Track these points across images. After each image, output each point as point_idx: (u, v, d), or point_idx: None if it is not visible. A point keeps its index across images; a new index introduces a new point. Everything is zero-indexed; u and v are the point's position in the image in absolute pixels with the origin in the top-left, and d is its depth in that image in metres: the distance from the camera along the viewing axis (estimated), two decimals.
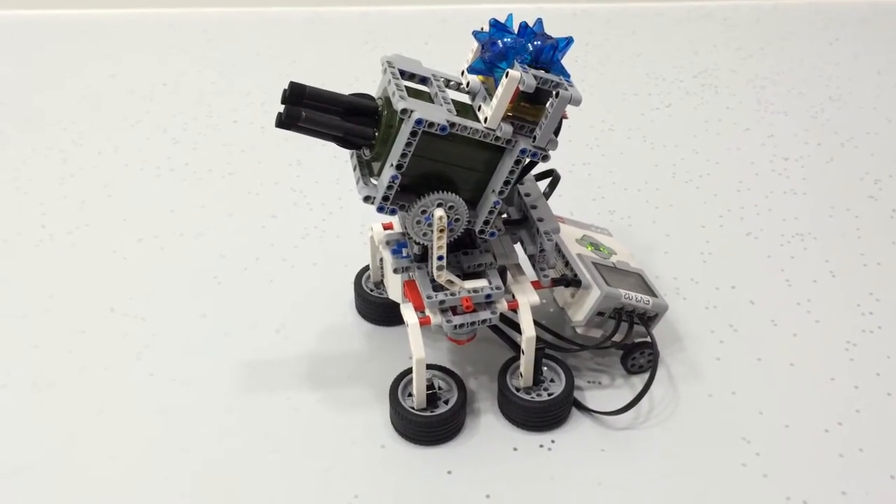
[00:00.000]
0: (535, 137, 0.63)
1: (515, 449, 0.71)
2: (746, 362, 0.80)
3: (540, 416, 0.72)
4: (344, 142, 0.63)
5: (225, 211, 0.97)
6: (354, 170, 0.66)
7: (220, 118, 1.13)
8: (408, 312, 0.69)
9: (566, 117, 0.69)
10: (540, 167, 0.77)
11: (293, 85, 0.61)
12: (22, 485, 0.68)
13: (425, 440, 0.71)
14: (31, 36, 1.33)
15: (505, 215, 0.74)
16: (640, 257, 0.90)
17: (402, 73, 0.65)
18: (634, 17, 1.39)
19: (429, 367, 0.73)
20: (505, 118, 0.63)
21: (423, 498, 0.67)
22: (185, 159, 1.05)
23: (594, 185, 1.02)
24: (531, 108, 0.64)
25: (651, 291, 0.78)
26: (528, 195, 0.74)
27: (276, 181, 1.02)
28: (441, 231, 0.65)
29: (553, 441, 0.72)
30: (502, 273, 0.72)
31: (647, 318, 0.76)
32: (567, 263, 0.76)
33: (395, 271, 0.70)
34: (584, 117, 1.13)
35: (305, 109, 0.61)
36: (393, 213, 0.64)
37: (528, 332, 0.70)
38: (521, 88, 0.61)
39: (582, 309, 0.74)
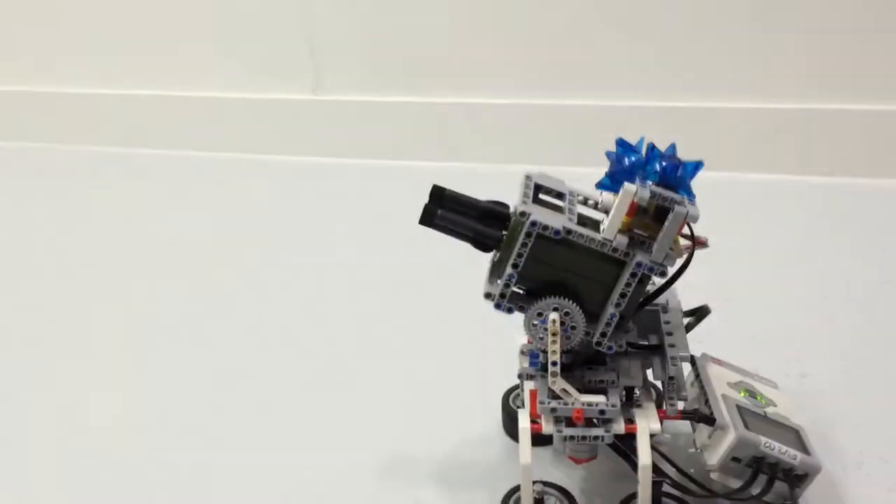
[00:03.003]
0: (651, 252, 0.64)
1: None
2: None
3: None
4: (475, 242, 0.69)
5: (392, 312, 1.05)
6: (488, 270, 0.71)
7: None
8: (523, 417, 0.70)
9: (703, 243, 0.69)
10: (692, 303, 0.76)
11: (435, 187, 0.69)
12: None
13: None
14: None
15: (646, 342, 0.73)
16: (824, 425, 0.81)
17: (540, 188, 0.70)
18: None
19: (545, 483, 0.72)
20: (624, 231, 0.65)
21: None
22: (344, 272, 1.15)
23: (793, 345, 0.95)
24: (655, 226, 0.65)
25: (804, 449, 0.70)
26: (668, 322, 0.72)
27: (443, 295, 1.08)
28: (554, 335, 0.66)
29: None
30: (630, 396, 0.71)
31: (795, 477, 0.69)
32: (707, 401, 0.72)
33: (519, 376, 0.72)
34: (804, 278, 1.07)
35: (442, 209, 0.68)
36: (510, 311, 0.67)
37: (644, 459, 0.67)
38: (636, 201, 0.63)
39: (716, 452, 0.69)
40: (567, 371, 0.69)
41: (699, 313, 0.75)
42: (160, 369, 0.99)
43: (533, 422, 0.69)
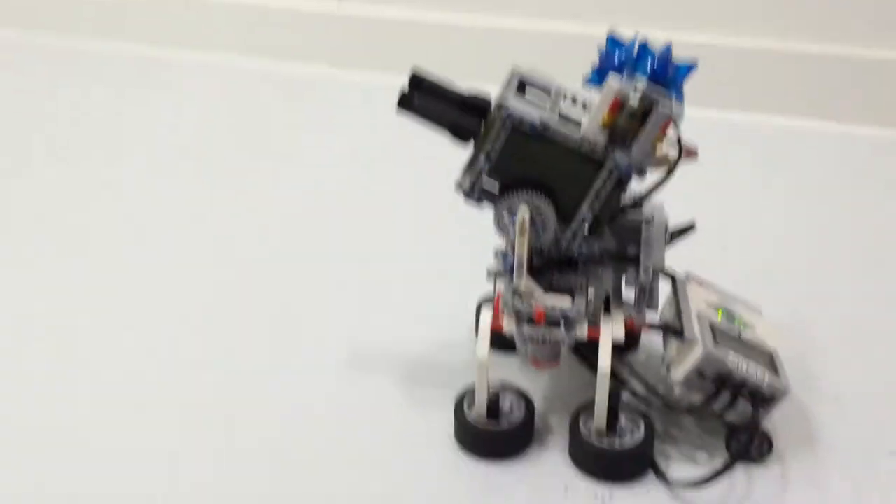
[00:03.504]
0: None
1: (566, 488, 0.66)
2: (890, 492, 0.66)
3: (599, 461, 0.66)
4: (452, 131, 0.67)
5: (374, 217, 1.05)
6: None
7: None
8: (485, 313, 0.69)
9: (694, 155, 0.66)
10: (680, 220, 0.74)
11: (414, 72, 0.67)
12: None
13: (476, 451, 0.69)
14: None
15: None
16: (810, 359, 0.79)
17: (525, 83, 0.67)
18: None
19: (504, 384, 0.72)
20: (605, 129, 0.62)
21: None
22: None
23: (790, 287, 0.92)
24: (640, 127, 0.62)
25: (775, 371, 0.68)
26: (649, 235, 0.70)
27: (429, 203, 1.06)
28: (523, 232, 0.65)
29: (611, 495, 0.66)
30: (606, 304, 0.69)
31: (761, 399, 0.67)
32: (679, 316, 0.70)
33: (488, 274, 0.71)
34: (813, 226, 1.04)
35: (420, 96, 0.66)
36: (479, 201, 0.66)
37: (604, 365, 0.65)
38: (618, 97, 0.60)
39: (683, 366, 0.68)
40: (537, 273, 0.68)
41: (682, 228, 0.73)
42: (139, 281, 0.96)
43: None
